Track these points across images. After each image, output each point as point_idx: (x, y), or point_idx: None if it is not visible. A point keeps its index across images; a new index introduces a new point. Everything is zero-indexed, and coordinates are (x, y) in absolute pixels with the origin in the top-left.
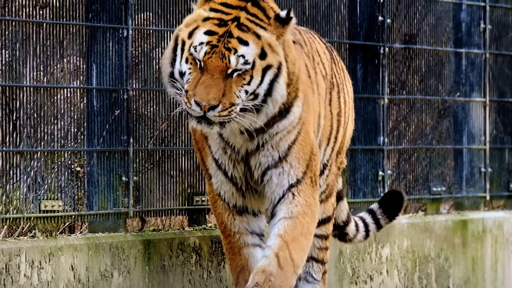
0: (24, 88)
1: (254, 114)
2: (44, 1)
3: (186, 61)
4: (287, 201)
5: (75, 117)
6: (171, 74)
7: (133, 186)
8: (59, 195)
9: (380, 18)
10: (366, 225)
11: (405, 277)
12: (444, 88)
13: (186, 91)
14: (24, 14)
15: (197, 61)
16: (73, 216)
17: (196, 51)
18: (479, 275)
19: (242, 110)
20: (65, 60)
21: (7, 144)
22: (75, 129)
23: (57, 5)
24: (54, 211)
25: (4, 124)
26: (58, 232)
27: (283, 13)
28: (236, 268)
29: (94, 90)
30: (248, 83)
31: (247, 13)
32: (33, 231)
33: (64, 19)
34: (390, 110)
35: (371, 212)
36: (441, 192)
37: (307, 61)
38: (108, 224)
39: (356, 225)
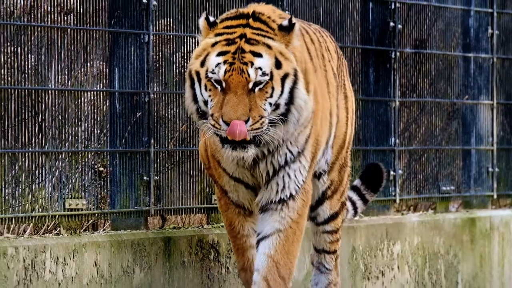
0: (49, 91)
1: (281, 126)
2: (69, 7)
3: (206, 89)
4: (290, 205)
5: (98, 119)
6: (198, 110)
7: (154, 186)
8: (83, 194)
9: (392, 24)
10: (353, 203)
11: (415, 273)
12: (453, 91)
13: (212, 115)
14: (49, 20)
15: (217, 83)
16: (96, 214)
17: (214, 73)
18: (487, 271)
19: (270, 124)
20: (88, 64)
21: (33, 145)
22: (98, 131)
23: (81, 11)
24: (78, 210)
25: (30, 126)
26: (82, 230)
27: (285, 22)
28: (239, 266)
29: (117, 93)
30: (271, 95)
31: (251, 28)
32: (58, 229)
33: (88, 25)
34: (401, 112)
35: (355, 189)
36: (450, 191)
37: (312, 51)
38: (130, 222)
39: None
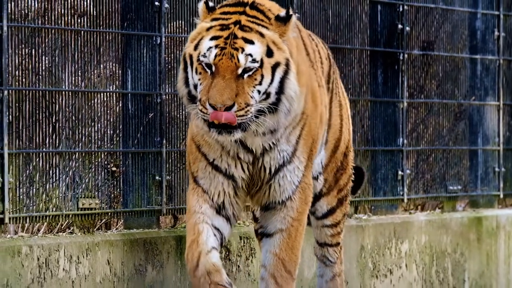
0: (63, 93)
1: (270, 115)
2: (82, 10)
3: (196, 72)
4: (289, 205)
5: (111, 120)
6: (188, 94)
7: (166, 185)
8: (96, 193)
9: (400, 26)
10: None
11: (423, 271)
12: (460, 92)
13: (200, 99)
14: (63, 22)
15: (207, 67)
16: (109, 214)
17: (205, 56)
18: (493, 269)
19: (259, 113)
20: (101, 66)
21: (47, 146)
22: (111, 131)
23: (94, 14)
24: (91, 209)
25: (44, 127)
26: (95, 229)
27: (282, 13)
28: (187, 243)
29: (129, 94)
30: (260, 83)
31: (247, 15)
32: (72, 228)
33: (101, 27)
34: (409, 113)
35: None
36: (457, 191)
37: (311, 51)
38: (142, 221)
39: None
